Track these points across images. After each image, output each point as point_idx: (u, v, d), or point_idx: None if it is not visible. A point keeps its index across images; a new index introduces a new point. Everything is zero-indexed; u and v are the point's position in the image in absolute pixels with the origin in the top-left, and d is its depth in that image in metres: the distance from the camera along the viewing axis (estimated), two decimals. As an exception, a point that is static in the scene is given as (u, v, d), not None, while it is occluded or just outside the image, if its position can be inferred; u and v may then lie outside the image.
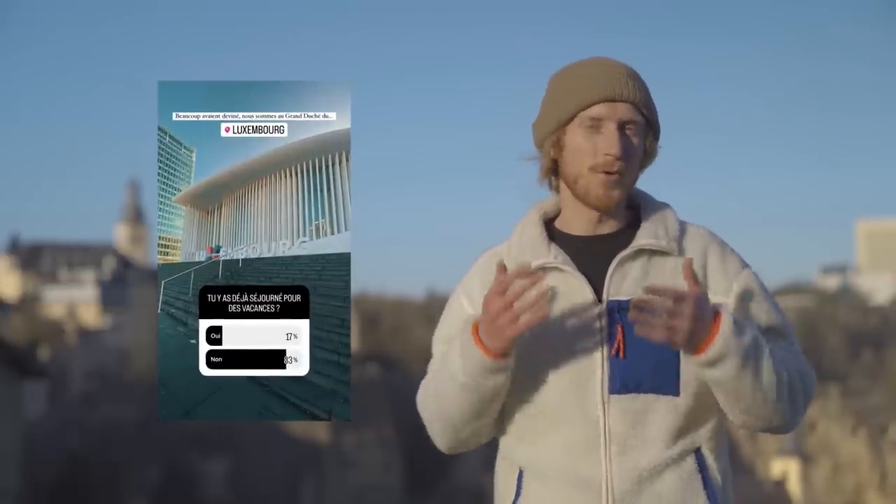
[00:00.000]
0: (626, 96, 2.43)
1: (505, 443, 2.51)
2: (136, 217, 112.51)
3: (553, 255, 2.45)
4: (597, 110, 2.43)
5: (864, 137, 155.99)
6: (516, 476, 2.47)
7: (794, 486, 55.06)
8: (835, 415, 58.48)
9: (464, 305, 2.52)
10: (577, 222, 2.50)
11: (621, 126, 2.43)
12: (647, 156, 2.50)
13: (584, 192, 2.45)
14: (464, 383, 2.39)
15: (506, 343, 2.33)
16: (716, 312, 2.33)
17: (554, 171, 2.51)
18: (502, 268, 2.35)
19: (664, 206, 2.53)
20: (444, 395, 2.44)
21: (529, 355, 2.42)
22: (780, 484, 54.19)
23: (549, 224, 2.54)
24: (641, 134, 2.46)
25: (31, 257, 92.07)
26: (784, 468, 55.94)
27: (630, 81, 2.45)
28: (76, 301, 76.06)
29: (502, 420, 2.50)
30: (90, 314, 74.00)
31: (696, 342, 2.31)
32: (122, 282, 79.42)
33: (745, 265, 2.50)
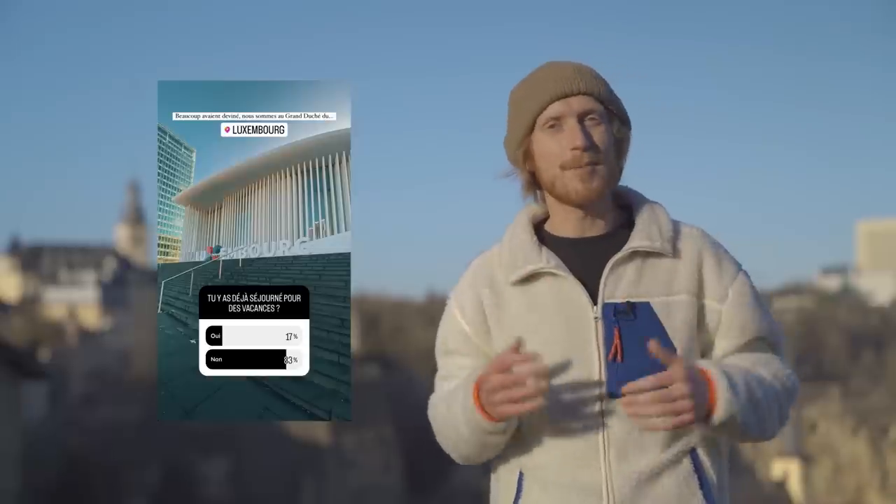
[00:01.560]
0: (577, 89, 2.44)
1: (506, 444, 2.50)
2: (137, 218, 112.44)
3: (545, 260, 2.44)
4: (553, 109, 2.44)
5: (865, 138, 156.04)
6: (516, 478, 2.46)
7: (795, 487, 55.04)
8: (835, 415, 58.44)
9: (457, 318, 2.52)
10: (567, 225, 2.49)
11: (581, 118, 2.43)
12: (620, 143, 2.48)
13: (564, 192, 2.44)
14: (467, 438, 2.42)
15: (503, 417, 2.35)
16: (706, 376, 2.34)
17: (534, 183, 2.51)
18: (514, 346, 2.33)
19: (656, 205, 2.52)
20: (451, 436, 2.47)
21: None
22: (781, 485, 54.17)
23: (539, 227, 2.53)
24: (605, 122, 2.45)
25: (31, 258, 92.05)
26: (785, 469, 55.92)
27: (579, 75, 2.46)
28: (76, 302, 76.05)
29: None
30: (90, 315, 73.97)
31: (700, 414, 2.33)
32: (122, 283, 79.38)
33: (739, 269, 2.49)
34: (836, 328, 74.22)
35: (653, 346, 2.30)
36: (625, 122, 2.49)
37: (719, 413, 2.33)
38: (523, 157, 2.48)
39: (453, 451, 2.51)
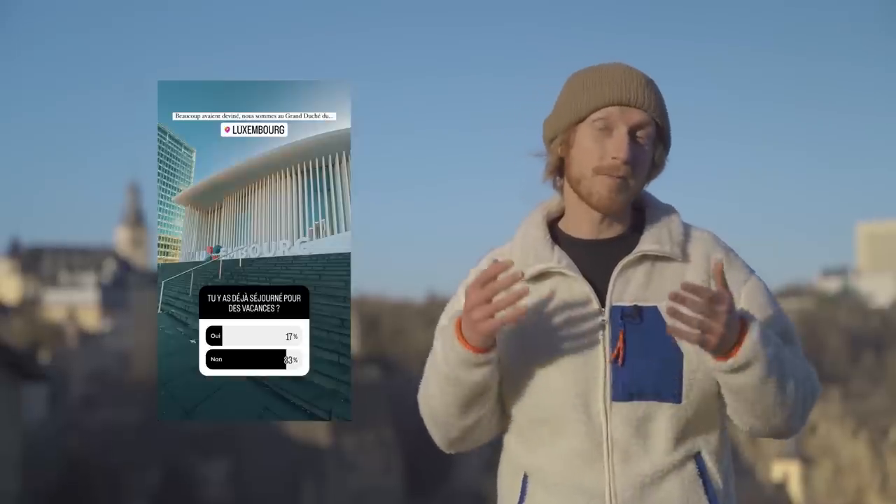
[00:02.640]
0: (640, 102, 2.42)
1: (509, 447, 2.50)
2: (137, 220, 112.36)
3: (557, 260, 2.44)
4: (609, 112, 2.42)
5: (865, 139, 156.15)
6: (521, 480, 2.46)
7: (795, 489, 55.03)
8: (835, 417, 58.42)
9: (461, 301, 2.49)
10: (581, 224, 2.48)
11: (632, 131, 2.42)
12: (655, 167, 2.48)
13: (588, 193, 2.43)
14: (447, 375, 2.39)
15: (482, 337, 2.32)
16: (741, 318, 2.31)
17: (559, 170, 2.50)
18: (493, 263, 2.32)
19: (669, 209, 2.51)
20: (431, 389, 2.44)
21: (532, 361, 2.42)
22: (781, 487, 54.17)
23: (552, 225, 2.52)
24: (651, 143, 2.44)
25: (31, 260, 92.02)
26: (785, 471, 55.91)
27: (646, 89, 2.44)
28: (76, 304, 76.02)
29: (507, 424, 2.49)
30: (90, 317, 73.93)
31: (723, 347, 2.29)
32: (122, 285, 79.35)
33: (750, 271, 2.48)
34: (836, 330, 74.18)
35: (685, 285, 2.26)
36: (667, 148, 2.48)
37: (741, 355, 2.29)
38: (560, 142, 2.47)
39: (431, 420, 2.47)
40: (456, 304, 2.51)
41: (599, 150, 2.41)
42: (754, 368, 2.31)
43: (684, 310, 2.26)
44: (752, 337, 2.29)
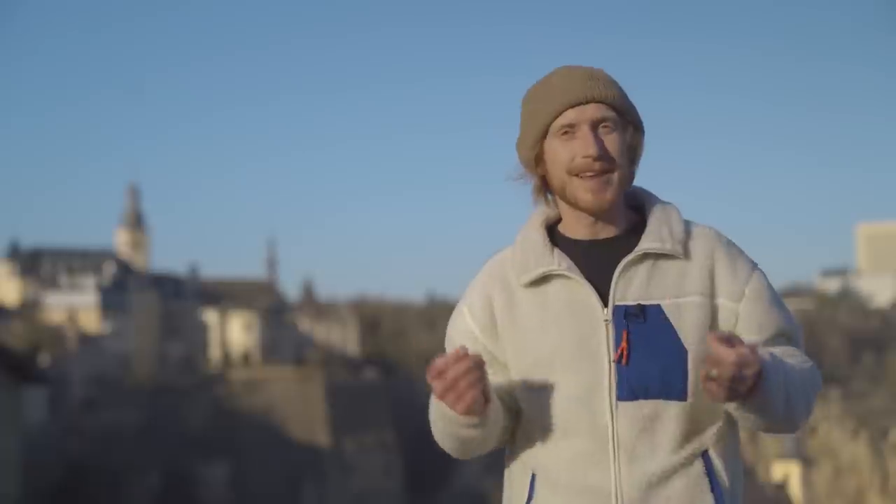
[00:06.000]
0: (591, 96, 2.41)
1: (518, 446, 2.49)
2: (137, 222, 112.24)
3: (557, 262, 2.43)
4: (566, 117, 2.41)
5: (865, 139, 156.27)
6: (529, 479, 2.45)
7: (796, 490, 55.05)
8: (836, 418, 58.46)
9: (465, 317, 2.50)
10: (578, 227, 2.47)
11: (594, 126, 2.41)
12: (633, 149, 2.46)
13: (574, 199, 2.43)
14: (443, 430, 2.42)
15: (467, 409, 2.33)
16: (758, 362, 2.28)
17: (545, 187, 2.49)
18: (455, 353, 2.30)
19: (669, 206, 2.50)
20: (435, 431, 2.47)
21: (537, 364, 2.41)
22: (782, 487, 54.17)
23: (551, 228, 2.51)
24: (619, 129, 2.43)
25: (31, 263, 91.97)
26: (785, 471, 55.92)
27: (593, 81, 2.43)
28: (76, 307, 75.98)
29: (517, 424, 2.49)
30: (90, 320, 73.90)
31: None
32: (122, 287, 79.29)
33: (754, 267, 2.47)
34: (836, 330, 74.28)
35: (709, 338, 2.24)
36: (638, 127, 2.46)
37: (751, 403, 2.28)
38: (535, 161, 2.46)
39: (441, 444, 2.50)
40: (458, 326, 2.52)
41: (569, 155, 2.41)
42: (763, 412, 2.31)
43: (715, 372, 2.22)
44: (764, 387, 2.26)
